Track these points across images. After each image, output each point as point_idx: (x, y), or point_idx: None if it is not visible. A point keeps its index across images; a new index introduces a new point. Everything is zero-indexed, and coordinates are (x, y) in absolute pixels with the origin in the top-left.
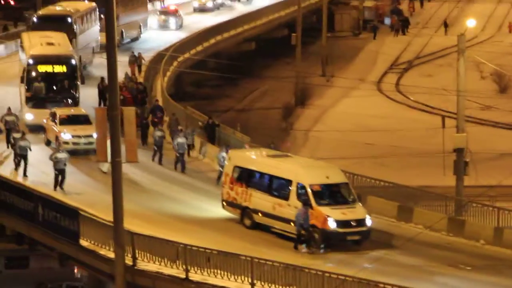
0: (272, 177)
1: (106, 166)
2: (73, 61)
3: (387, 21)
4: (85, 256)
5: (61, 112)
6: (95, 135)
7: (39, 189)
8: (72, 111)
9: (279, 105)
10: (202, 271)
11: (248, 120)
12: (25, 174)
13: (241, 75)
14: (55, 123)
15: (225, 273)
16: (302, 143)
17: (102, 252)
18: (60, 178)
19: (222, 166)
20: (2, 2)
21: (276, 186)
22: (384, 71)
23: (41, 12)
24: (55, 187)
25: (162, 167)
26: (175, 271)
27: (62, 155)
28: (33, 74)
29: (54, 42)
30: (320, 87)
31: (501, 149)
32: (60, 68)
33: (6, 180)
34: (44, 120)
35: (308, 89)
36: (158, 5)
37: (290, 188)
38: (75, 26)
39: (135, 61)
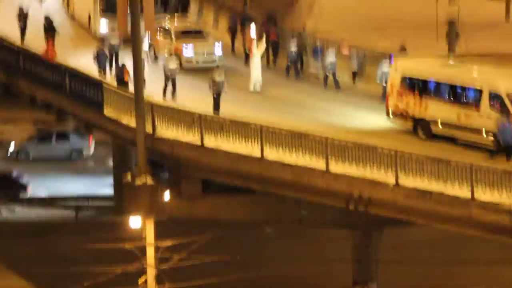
0: (455, 86)
1: (257, 86)
2: None
3: None
4: (109, 124)
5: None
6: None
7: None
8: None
9: None
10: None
11: None
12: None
13: None
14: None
15: (237, 139)
16: (306, 15)
17: (125, 120)
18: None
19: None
20: None
21: (461, 95)
22: None
23: None
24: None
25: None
26: (192, 138)
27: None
28: None
29: None
30: None
31: (489, 19)
32: None
33: (36, 54)
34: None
35: None
36: None
37: (481, 96)
38: None
39: None
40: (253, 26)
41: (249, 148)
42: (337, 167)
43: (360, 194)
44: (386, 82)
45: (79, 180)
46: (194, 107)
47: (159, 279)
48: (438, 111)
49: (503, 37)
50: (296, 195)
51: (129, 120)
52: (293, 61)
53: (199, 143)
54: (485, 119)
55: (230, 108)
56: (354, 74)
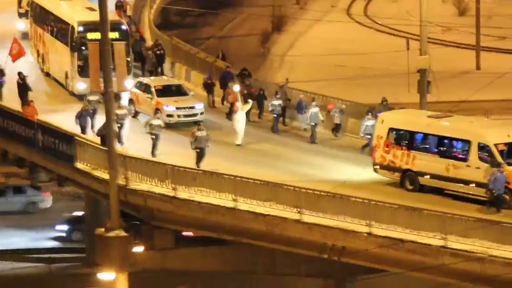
0: (442, 138)
1: (239, 139)
2: (124, 27)
3: None
4: (81, 177)
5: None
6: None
7: None
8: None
9: (257, 32)
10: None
11: (229, 46)
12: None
13: (221, 4)
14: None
15: (211, 191)
16: (278, 67)
17: (97, 173)
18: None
19: (369, 134)
20: None
21: (449, 147)
22: None
23: None
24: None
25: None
26: (165, 190)
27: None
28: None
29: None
30: (294, 15)
31: (460, 68)
32: (112, 35)
33: (7, 109)
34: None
35: (284, 17)
36: None
37: (469, 148)
38: None
39: (121, 6)
40: (236, 86)
41: (223, 199)
42: (310, 217)
43: (334, 243)
44: (370, 135)
45: (35, 233)
46: (175, 161)
47: None
48: (426, 163)
49: (474, 85)
50: (270, 245)
51: (102, 173)
52: (277, 114)
53: (172, 194)
54: (474, 169)
55: (211, 162)
56: (336, 127)
